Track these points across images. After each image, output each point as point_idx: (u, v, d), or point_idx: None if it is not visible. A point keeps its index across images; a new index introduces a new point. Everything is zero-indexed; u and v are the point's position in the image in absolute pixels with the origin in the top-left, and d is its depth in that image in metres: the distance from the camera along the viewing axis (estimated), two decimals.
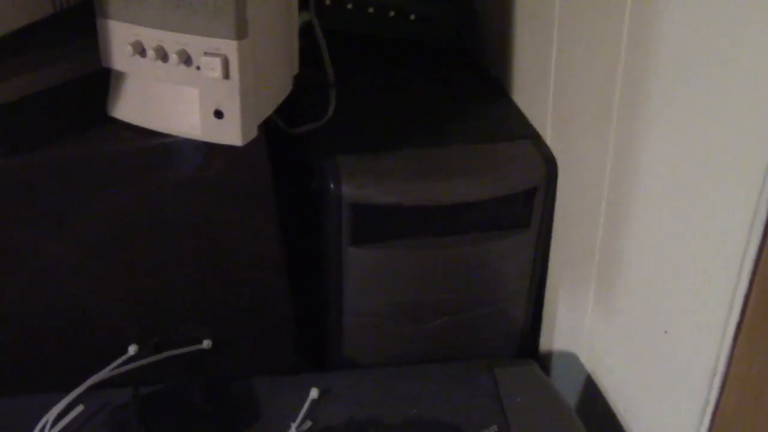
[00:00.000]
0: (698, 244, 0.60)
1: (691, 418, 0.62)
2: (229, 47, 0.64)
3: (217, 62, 0.64)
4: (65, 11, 0.73)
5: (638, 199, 0.68)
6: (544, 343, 0.92)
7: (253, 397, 0.74)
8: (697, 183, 0.59)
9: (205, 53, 0.64)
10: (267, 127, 0.74)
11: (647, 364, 0.70)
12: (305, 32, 0.81)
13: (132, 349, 0.79)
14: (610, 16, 0.68)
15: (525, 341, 0.91)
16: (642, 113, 0.65)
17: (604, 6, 0.69)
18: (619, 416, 0.76)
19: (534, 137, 0.84)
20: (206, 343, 0.82)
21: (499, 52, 0.96)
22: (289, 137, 0.85)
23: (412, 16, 0.96)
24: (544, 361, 0.92)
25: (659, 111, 0.63)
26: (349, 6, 0.95)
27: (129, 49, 0.67)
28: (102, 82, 0.73)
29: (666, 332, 0.66)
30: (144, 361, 0.79)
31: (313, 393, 0.73)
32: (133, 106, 0.72)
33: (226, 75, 0.65)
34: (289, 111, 0.81)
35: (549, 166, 0.81)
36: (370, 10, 0.96)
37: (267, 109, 0.72)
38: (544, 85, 0.83)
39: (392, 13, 0.96)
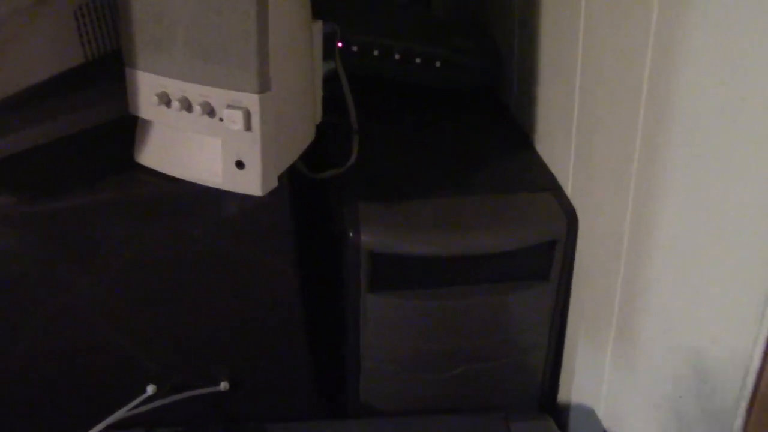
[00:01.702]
0: (714, 306, 0.59)
1: None
2: (251, 101, 0.65)
3: (239, 115, 0.65)
4: (96, 60, 0.75)
5: (657, 254, 0.67)
6: (562, 396, 0.91)
7: None
8: (712, 242, 0.59)
9: (228, 106, 0.65)
10: (290, 171, 0.75)
11: (666, 424, 0.69)
12: (330, 79, 0.82)
13: (150, 389, 0.80)
14: (630, 70, 0.68)
15: (543, 393, 0.90)
16: (661, 168, 0.65)
17: (625, 61, 0.69)
18: None
19: (555, 188, 0.84)
20: (223, 385, 0.82)
21: (523, 101, 0.96)
22: (312, 182, 0.86)
23: (438, 63, 0.97)
24: (562, 414, 0.91)
25: (678, 165, 0.62)
26: (375, 53, 0.96)
27: (155, 98, 0.68)
28: (129, 128, 0.75)
29: (681, 397, 0.65)
30: (162, 402, 0.79)
31: None
32: (157, 153, 0.73)
33: (248, 127, 0.66)
34: (312, 156, 0.82)
35: (569, 218, 0.81)
36: (397, 56, 0.97)
37: (288, 159, 0.73)
38: (566, 137, 0.83)
39: (418, 60, 0.97)
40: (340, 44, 0.93)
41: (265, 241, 0.78)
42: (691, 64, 0.59)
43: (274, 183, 0.70)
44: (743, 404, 0.57)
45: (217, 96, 0.66)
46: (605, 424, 0.81)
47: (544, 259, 0.82)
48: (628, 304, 0.74)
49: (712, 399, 0.61)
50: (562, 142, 0.84)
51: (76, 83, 0.75)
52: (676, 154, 0.63)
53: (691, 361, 0.64)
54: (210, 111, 0.67)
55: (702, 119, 0.58)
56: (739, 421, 0.58)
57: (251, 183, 0.68)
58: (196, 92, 0.66)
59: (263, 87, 0.65)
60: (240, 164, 0.68)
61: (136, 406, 0.78)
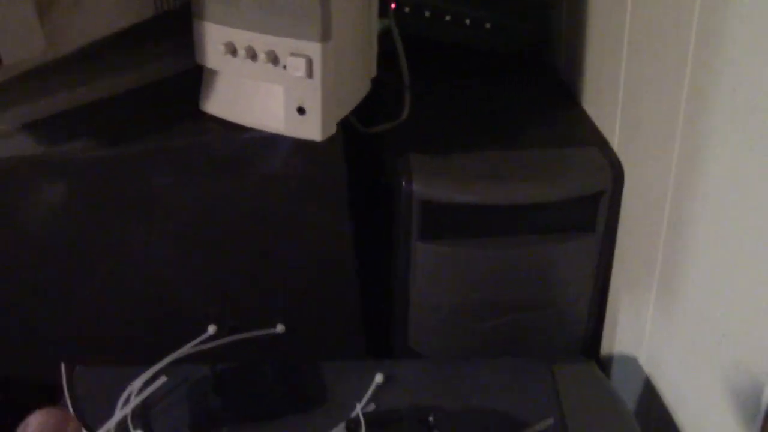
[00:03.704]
0: (756, 253, 0.61)
1: (744, 423, 0.64)
2: (314, 49, 0.68)
3: (302, 62, 0.69)
4: (165, 13, 0.79)
5: (700, 206, 0.69)
6: (606, 346, 0.94)
7: (321, 380, 0.78)
8: (755, 192, 0.61)
9: (291, 54, 0.69)
10: (344, 126, 0.78)
11: (704, 369, 0.71)
12: (384, 37, 0.85)
13: (211, 329, 0.84)
14: (677, 27, 0.70)
15: (587, 343, 0.93)
16: (706, 122, 0.67)
17: (673, 18, 0.71)
18: (675, 418, 0.78)
19: (602, 143, 0.87)
20: (279, 328, 0.86)
21: (570, 61, 0.98)
22: (365, 136, 0.89)
23: (488, 25, 1.00)
24: (605, 363, 0.94)
25: (723, 120, 0.64)
26: (427, 14, 0.99)
27: (222, 48, 0.72)
28: (195, 79, 0.79)
29: (723, 336, 0.67)
30: (222, 341, 0.84)
31: (378, 378, 0.77)
32: (222, 102, 0.77)
33: (310, 74, 0.69)
34: (365, 111, 0.86)
35: (615, 171, 0.83)
36: (447, 17, 0.99)
37: (346, 108, 0.76)
38: (613, 94, 0.85)
39: (468, 22, 1.00)
40: (393, 5, 0.96)
41: (320, 192, 0.81)
42: (740, 17, 0.61)
43: (332, 129, 0.73)
44: None
45: (281, 45, 0.69)
46: (647, 370, 0.84)
47: (590, 211, 0.84)
48: (672, 255, 0.76)
49: (750, 345, 0.63)
50: (609, 98, 0.86)
51: (147, 36, 0.79)
52: (722, 107, 0.64)
53: (734, 308, 0.66)
54: (274, 59, 0.70)
55: (749, 72, 0.60)
56: None
57: (311, 128, 0.72)
58: (262, 41, 0.70)
59: (325, 36, 0.68)
60: (301, 110, 0.72)
61: (199, 344, 0.82)
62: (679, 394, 0.78)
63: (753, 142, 0.61)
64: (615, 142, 0.86)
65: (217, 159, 0.78)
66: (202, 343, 0.83)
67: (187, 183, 0.78)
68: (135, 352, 0.84)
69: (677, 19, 0.70)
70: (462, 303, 0.87)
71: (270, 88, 0.73)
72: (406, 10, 0.99)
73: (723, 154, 0.65)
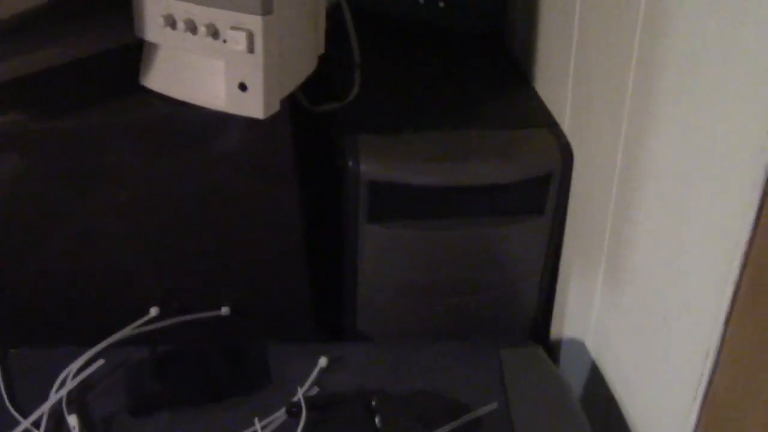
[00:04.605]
0: (695, 234, 0.62)
1: (684, 400, 0.64)
2: (255, 22, 0.66)
3: (242, 36, 0.67)
4: None
5: (645, 188, 0.69)
6: (555, 329, 0.94)
7: (264, 361, 0.76)
8: (696, 176, 0.61)
9: (232, 27, 0.67)
10: (292, 104, 0.76)
11: (646, 350, 0.72)
12: (334, 13, 0.83)
13: (154, 311, 0.82)
14: (625, 12, 0.69)
15: (536, 326, 0.93)
16: (652, 104, 0.67)
17: (620, 5, 0.70)
18: (618, 400, 0.78)
19: (552, 125, 0.86)
20: (224, 310, 0.85)
21: (523, 43, 0.97)
22: (313, 116, 0.88)
23: (441, 3, 0.98)
24: (554, 347, 0.93)
25: (668, 103, 0.64)
26: None
27: (161, 20, 0.70)
28: (136, 53, 0.76)
29: (665, 319, 0.67)
30: (164, 323, 0.82)
31: (322, 361, 0.76)
32: (163, 76, 0.75)
33: (251, 49, 0.67)
34: (314, 90, 0.84)
35: (565, 153, 0.82)
36: None
37: (290, 85, 0.74)
38: (563, 76, 0.84)
39: None
40: None
41: (267, 170, 0.79)
42: (683, 5, 0.60)
43: (275, 107, 0.72)
44: (718, 328, 0.59)
45: (221, 17, 0.67)
46: (593, 354, 0.84)
47: (540, 193, 0.83)
48: (618, 236, 0.76)
49: (690, 325, 0.63)
50: (560, 80, 0.85)
51: (87, 7, 0.76)
52: (667, 90, 0.64)
53: (671, 291, 0.66)
54: (214, 33, 0.68)
55: (691, 58, 0.60)
56: (714, 343, 0.60)
57: (253, 105, 0.70)
58: (202, 14, 0.68)
59: (266, 9, 0.66)
60: (243, 86, 0.69)
61: (141, 326, 0.80)
62: (623, 378, 0.78)
63: (697, 126, 0.60)
64: (565, 124, 0.85)
65: (161, 136, 0.76)
66: (144, 325, 0.81)
67: (131, 159, 0.76)
68: (74, 334, 0.82)
69: (625, 2, 0.69)
70: (411, 285, 0.87)
71: (211, 63, 0.70)
72: None
73: (668, 137, 0.65)
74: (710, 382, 0.60)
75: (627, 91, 0.71)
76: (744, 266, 0.55)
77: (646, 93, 0.68)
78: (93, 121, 0.74)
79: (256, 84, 0.69)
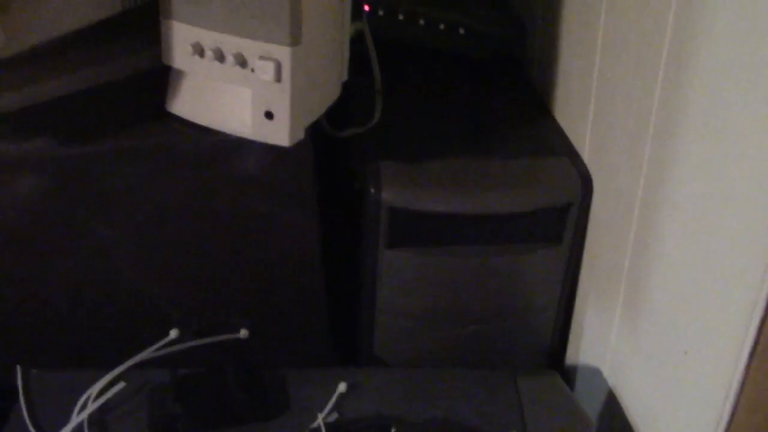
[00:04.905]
0: (718, 268, 0.62)
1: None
2: (283, 53, 0.67)
3: (270, 66, 0.68)
4: (133, 10, 0.78)
5: (666, 220, 0.70)
6: (571, 357, 0.94)
7: (284, 387, 0.77)
8: (719, 208, 0.61)
9: (260, 57, 0.68)
10: (314, 129, 0.77)
11: (666, 383, 0.72)
12: (357, 41, 0.84)
13: (173, 333, 0.83)
14: (649, 41, 0.70)
15: (552, 354, 0.93)
16: (675, 135, 0.67)
17: (645, 33, 0.71)
18: (636, 430, 0.78)
19: (572, 154, 0.86)
20: (243, 333, 0.85)
21: (543, 70, 0.98)
22: (335, 141, 0.89)
23: (462, 30, 0.99)
24: (570, 374, 0.94)
25: (691, 134, 0.65)
26: (401, 17, 0.98)
27: (189, 49, 0.71)
28: (161, 78, 0.77)
29: (686, 353, 0.67)
30: (184, 345, 0.83)
31: (342, 387, 0.76)
32: (189, 103, 0.76)
33: (278, 78, 0.68)
34: (336, 115, 0.85)
35: (585, 183, 0.83)
36: (421, 22, 0.99)
37: (315, 113, 0.75)
38: (584, 105, 0.85)
39: (442, 26, 0.99)
40: (367, 8, 0.96)
41: (287, 194, 0.80)
42: (710, 37, 0.61)
43: (300, 135, 0.72)
44: (741, 366, 0.59)
45: (250, 47, 0.68)
46: (610, 382, 0.84)
47: (558, 222, 0.84)
48: (637, 268, 0.76)
49: (711, 361, 0.63)
50: (581, 109, 0.86)
51: (113, 33, 0.78)
52: (691, 121, 0.64)
53: (693, 325, 0.66)
54: (242, 62, 0.69)
55: (718, 88, 0.60)
56: (736, 381, 0.60)
57: (279, 133, 0.71)
58: (230, 43, 0.69)
59: (295, 40, 0.67)
60: (269, 114, 0.70)
61: (160, 348, 0.81)
62: (641, 408, 0.78)
63: (721, 159, 0.61)
64: (585, 154, 0.86)
65: (184, 161, 0.76)
66: (163, 347, 0.82)
67: (152, 184, 0.77)
68: (94, 355, 0.83)
69: (650, 32, 0.70)
70: (428, 311, 0.87)
71: (237, 91, 0.71)
72: (380, 13, 0.98)
73: (690, 169, 0.65)
74: (730, 422, 0.60)
75: (649, 122, 0.71)
76: None
77: (668, 124, 0.68)
78: (114, 146, 0.75)
79: (282, 113, 0.70)
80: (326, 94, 0.77)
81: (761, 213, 0.55)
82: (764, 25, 0.54)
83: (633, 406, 0.79)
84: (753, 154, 0.56)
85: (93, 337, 0.85)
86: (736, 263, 0.59)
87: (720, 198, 0.61)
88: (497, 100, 0.99)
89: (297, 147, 0.73)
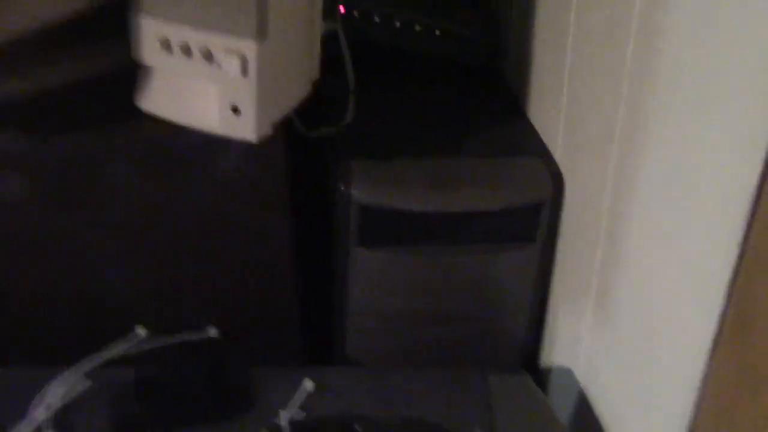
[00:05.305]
0: (683, 267, 0.62)
1: (671, 429, 0.63)
2: (249, 47, 0.67)
3: (236, 61, 0.67)
4: (105, 6, 0.77)
5: (634, 219, 0.70)
6: (544, 357, 0.93)
7: (249, 385, 0.76)
8: (684, 207, 0.61)
9: (226, 51, 0.68)
10: (287, 129, 0.77)
11: (634, 382, 0.71)
12: (332, 41, 0.84)
13: (141, 331, 0.82)
14: (616, 43, 0.70)
15: (525, 354, 0.93)
16: (642, 135, 0.67)
17: (610, 37, 0.71)
18: (606, 429, 0.77)
19: (544, 154, 0.86)
20: (212, 332, 0.85)
21: (517, 71, 0.98)
22: (307, 141, 0.88)
23: (437, 32, 0.99)
24: (543, 375, 0.93)
25: (657, 135, 0.65)
26: (376, 18, 0.98)
27: (157, 44, 0.71)
28: (132, 75, 0.77)
29: (651, 351, 0.67)
30: (151, 344, 0.82)
31: (308, 385, 0.75)
32: (159, 99, 0.75)
33: (245, 73, 0.68)
34: (309, 115, 0.84)
35: (556, 182, 0.83)
36: (397, 23, 0.99)
37: (283, 110, 0.75)
38: (557, 105, 0.85)
39: (418, 28, 0.99)
40: (342, 9, 0.95)
41: (260, 193, 0.80)
42: (673, 38, 0.61)
43: (268, 130, 0.72)
44: (703, 359, 0.59)
45: (216, 42, 0.68)
46: (582, 383, 0.83)
47: (531, 222, 0.84)
48: (607, 266, 0.76)
49: (677, 356, 0.63)
50: (553, 109, 0.86)
51: (82, 30, 0.77)
52: (657, 123, 0.65)
53: (664, 321, 0.66)
54: (209, 57, 0.69)
55: (683, 89, 0.61)
56: (700, 374, 0.60)
57: (246, 128, 0.71)
58: (197, 38, 0.69)
59: (261, 35, 0.67)
60: (236, 110, 0.70)
61: (127, 347, 0.80)
62: (611, 408, 0.77)
63: (684, 159, 0.61)
64: (557, 153, 0.86)
65: (155, 160, 0.76)
66: (131, 346, 0.81)
67: (124, 180, 0.77)
68: (59, 353, 0.82)
69: (616, 34, 0.70)
70: (400, 311, 0.86)
71: (205, 86, 0.71)
72: (355, 14, 0.98)
73: (657, 169, 0.65)
74: (695, 415, 0.60)
75: (617, 122, 0.71)
76: (729, 300, 0.55)
77: (636, 124, 0.68)
78: (87, 142, 0.75)
79: (248, 108, 0.70)
80: (295, 91, 0.77)
81: (726, 212, 0.55)
82: (724, 26, 0.54)
83: (603, 407, 0.79)
84: (716, 155, 0.56)
85: (58, 334, 0.84)
86: (701, 262, 0.59)
87: (685, 196, 0.61)
88: (472, 100, 0.99)
89: (270, 145, 0.73)
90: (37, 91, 0.76)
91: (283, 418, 0.71)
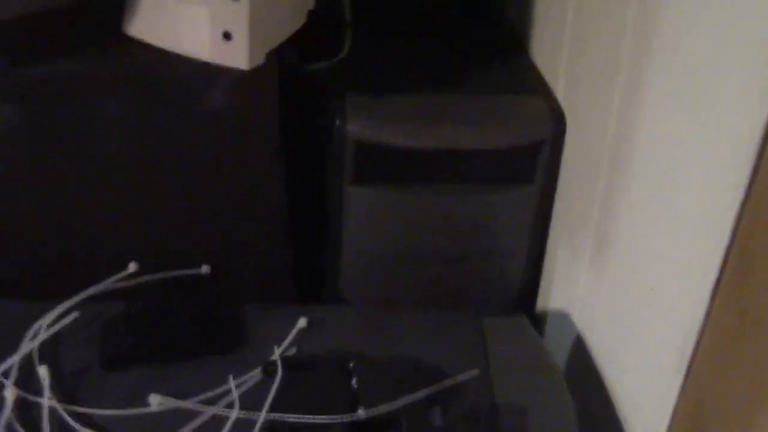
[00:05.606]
0: (684, 208, 0.60)
1: (666, 373, 0.63)
2: None
3: None
4: None
5: (636, 161, 0.68)
6: (540, 301, 0.92)
7: (242, 322, 0.75)
8: (688, 149, 0.59)
9: None
10: (280, 63, 0.74)
11: (631, 323, 0.70)
12: None
13: (132, 267, 0.81)
14: None
15: (522, 297, 0.92)
16: (646, 75, 0.65)
17: None
18: (601, 372, 0.77)
19: (545, 92, 0.84)
20: (204, 269, 0.83)
21: (520, 8, 0.95)
22: (303, 74, 0.86)
23: None
24: (540, 318, 0.92)
25: (662, 74, 0.63)
26: None
27: None
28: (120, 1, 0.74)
29: (650, 291, 0.66)
30: (142, 279, 0.80)
31: (302, 322, 0.74)
32: (147, 24, 0.73)
33: None
34: (305, 48, 0.82)
35: (557, 121, 0.81)
36: None
37: (276, 38, 0.72)
38: (559, 43, 0.82)
39: None
40: None
41: (251, 126, 0.78)
42: None
43: (260, 59, 0.70)
44: (705, 299, 0.58)
45: None
46: (579, 326, 0.83)
47: (530, 161, 0.82)
48: (607, 208, 0.75)
49: (677, 295, 0.62)
50: (556, 48, 0.84)
51: None
52: (662, 61, 0.63)
53: (662, 262, 0.65)
54: None
55: (689, 27, 0.58)
56: (700, 313, 0.58)
57: (238, 55, 0.68)
58: None
59: None
60: (227, 35, 0.68)
61: (118, 281, 0.79)
62: (607, 350, 0.77)
63: (689, 98, 0.59)
64: (559, 92, 0.83)
65: (143, 86, 0.74)
66: (122, 280, 0.80)
67: (111, 110, 0.74)
68: (51, 287, 0.80)
69: None
70: (395, 251, 0.85)
71: (195, 11, 0.69)
72: None
73: (660, 109, 0.64)
74: (693, 356, 0.59)
75: (621, 60, 0.69)
76: (732, 240, 0.53)
77: (640, 63, 0.66)
78: (73, 69, 0.72)
79: (241, 33, 0.67)
80: (289, 19, 0.74)
81: (728, 153, 0.54)
82: None
83: (600, 349, 0.78)
84: (723, 94, 0.55)
85: (50, 268, 0.82)
86: (703, 203, 0.58)
87: (689, 138, 0.59)
88: (473, 37, 0.97)
89: (261, 77, 0.71)
90: (21, 16, 0.73)
91: (276, 354, 0.70)
